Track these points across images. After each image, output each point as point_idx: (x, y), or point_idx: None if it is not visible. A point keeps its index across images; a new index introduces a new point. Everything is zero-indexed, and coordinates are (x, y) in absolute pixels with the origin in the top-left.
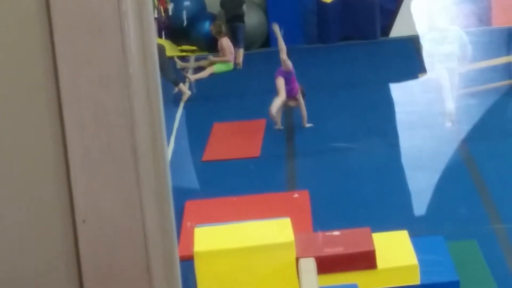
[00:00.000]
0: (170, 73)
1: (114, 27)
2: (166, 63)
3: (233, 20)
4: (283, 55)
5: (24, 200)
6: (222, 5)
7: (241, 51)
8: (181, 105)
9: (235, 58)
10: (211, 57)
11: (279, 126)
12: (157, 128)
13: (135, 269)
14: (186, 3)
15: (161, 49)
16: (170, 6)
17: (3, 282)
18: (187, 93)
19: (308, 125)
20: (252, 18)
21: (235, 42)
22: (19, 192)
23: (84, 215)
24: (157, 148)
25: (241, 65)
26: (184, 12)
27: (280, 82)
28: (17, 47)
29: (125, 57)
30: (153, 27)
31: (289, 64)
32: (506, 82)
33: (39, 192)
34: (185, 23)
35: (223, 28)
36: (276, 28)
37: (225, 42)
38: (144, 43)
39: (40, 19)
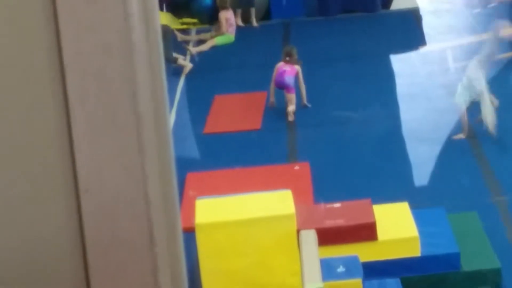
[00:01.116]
0: (170, 51)
1: None
2: (168, 41)
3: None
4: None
5: (27, 169)
6: None
7: (253, 10)
8: (182, 77)
9: (245, 19)
10: (212, 33)
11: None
12: (160, 96)
13: (138, 238)
14: None
15: (166, 28)
16: None
17: (6, 251)
18: (188, 65)
19: (308, 104)
20: None
21: (247, 2)
22: (21, 161)
23: (87, 185)
24: (160, 117)
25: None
26: None
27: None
28: (19, 14)
29: (127, 24)
30: None
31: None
32: (509, 54)
33: (42, 162)
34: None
35: (228, 2)
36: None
37: (223, 15)
38: (147, 10)
39: None
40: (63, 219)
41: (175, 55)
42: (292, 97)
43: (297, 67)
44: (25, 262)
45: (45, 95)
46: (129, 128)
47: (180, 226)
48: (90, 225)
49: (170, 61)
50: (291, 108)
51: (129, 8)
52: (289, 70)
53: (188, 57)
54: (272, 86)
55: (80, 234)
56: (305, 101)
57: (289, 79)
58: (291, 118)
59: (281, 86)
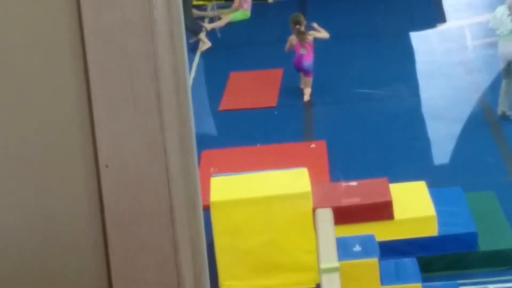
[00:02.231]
0: (190, 21)
1: None
2: (188, 12)
3: None
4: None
5: (48, 145)
6: None
7: None
8: (198, 54)
9: None
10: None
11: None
12: (181, 73)
13: (158, 213)
14: None
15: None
16: None
17: (27, 226)
18: (207, 42)
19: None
20: None
21: None
22: (41, 137)
23: (107, 160)
24: (181, 93)
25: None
26: None
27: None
28: None
29: (149, 1)
30: None
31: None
32: None
33: (62, 138)
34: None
35: None
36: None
37: None
38: None
39: None
40: (83, 194)
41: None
42: (309, 80)
43: (312, 34)
44: (45, 237)
45: (66, 71)
46: (150, 104)
47: (200, 202)
48: (110, 200)
49: (189, 29)
50: (307, 90)
51: None
52: (306, 54)
53: (204, 33)
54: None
55: (100, 209)
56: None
57: (307, 64)
58: (307, 98)
59: (299, 70)
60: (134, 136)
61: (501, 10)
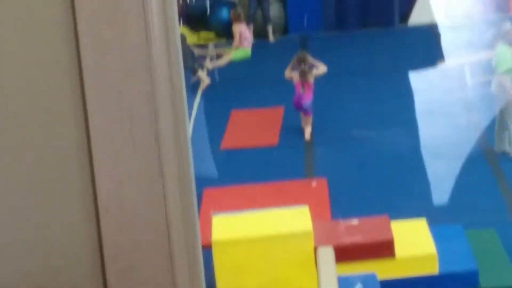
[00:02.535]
0: (190, 60)
1: (138, 13)
2: (186, 50)
3: None
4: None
5: (48, 190)
6: None
7: (270, 27)
8: (199, 92)
9: (262, 34)
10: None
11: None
12: (180, 116)
13: (157, 258)
14: None
15: (182, 37)
16: None
17: (28, 271)
18: (206, 81)
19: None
20: (271, 7)
21: (264, 19)
22: (42, 182)
23: (107, 204)
24: (180, 136)
25: (273, 39)
26: (207, 1)
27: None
28: (40, 35)
29: (148, 44)
30: (176, 14)
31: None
32: None
33: (62, 182)
34: (208, 12)
35: (241, 15)
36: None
37: (237, 28)
38: (168, 30)
39: (63, 7)
40: (83, 238)
41: (196, 65)
42: (309, 119)
43: (314, 73)
44: (45, 281)
45: (65, 113)
46: (149, 147)
47: (199, 245)
48: (110, 244)
49: (188, 67)
50: (308, 129)
51: (150, 25)
52: (305, 95)
53: (205, 72)
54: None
55: (100, 253)
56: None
57: (306, 104)
58: (307, 137)
59: (299, 109)
60: (133, 180)
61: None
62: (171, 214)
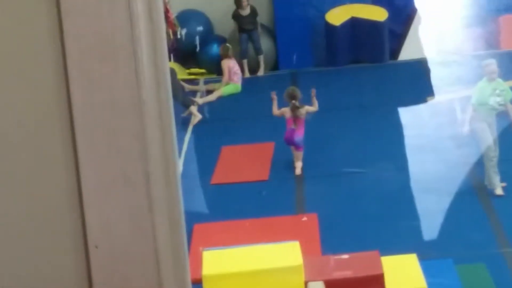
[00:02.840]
0: (181, 95)
1: (127, 52)
2: (177, 85)
3: (248, 29)
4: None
5: (37, 226)
6: (235, 17)
7: (262, 57)
8: (190, 128)
9: (253, 69)
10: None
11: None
12: (170, 153)
13: None
14: (194, 26)
15: (172, 72)
16: (179, 30)
17: None
18: (198, 116)
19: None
20: (262, 42)
21: (255, 51)
22: (31, 218)
23: (97, 241)
24: (170, 174)
25: (262, 72)
26: (197, 38)
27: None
28: (30, 73)
29: (138, 82)
30: (166, 53)
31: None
32: None
33: (52, 219)
34: (197, 48)
35: (230, 50)
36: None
37: (226, 64)
38: (157, 68)
39: (53, 44)
40: (72, 275)
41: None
42: (300, 154)
43: (305, 110)
44: None
45: (55, 151)
46: (139, 185)
47: (189, 281)
48: (100, 281)
49: (179, 102)
50: (299, 164)
51: (140, 64)
52: (297, 130)
53: (196, 107)
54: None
55: None
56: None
57: (298, 139)
58: (298, 172)
59: (290, 144)
60: (123, 217)
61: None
62: (160, 251)
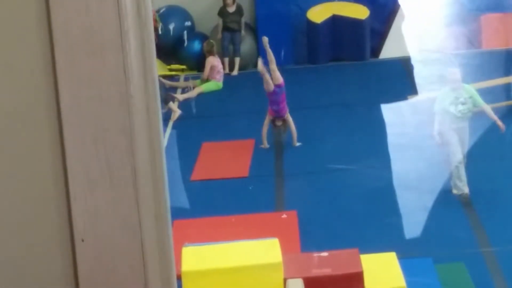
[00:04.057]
0: (161, 91)
1: (116, 46)
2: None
3: (232, 29)
4: (273, 66)
5: (23, 219)
6: (221, 13)
7: (238, 60)
8: (170, 124)
9: (232, 67)
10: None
11: (265, 145)
12: (157, 147)
13: (133, 287)
14: (176, 22)
15: None
16: (160, 25)
17: None
18: (177, 111)
19: (297, 143)
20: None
21: (234, 51)
22: (17, 212)
23: (83, 234)
24: (157, 168)
25: (236, 72)
26: (185, 33)
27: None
28: (17, 66)
29: (126, 77)
30: (153, 48)
31: (279, 76)
32: (497, 105)
33: (38, 212)
34: (185, 43)
35: (214, 48)
36: (265, 40)
37: (209, 61)
38: (145, 63)
39: (41, 38)
40: (58, 268)
41: (167, 97)
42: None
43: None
44: None
45: (42, 145)
46: (126, 179)
47: (174, 274)
48: (86, 274)
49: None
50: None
51: (128, 58)
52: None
53: (176, 104)
54: (264, 130)
55: (75, 283)
56: (295, 142)
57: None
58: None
59: (282, 108)
60: (109, 210)
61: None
62: (146, 244)
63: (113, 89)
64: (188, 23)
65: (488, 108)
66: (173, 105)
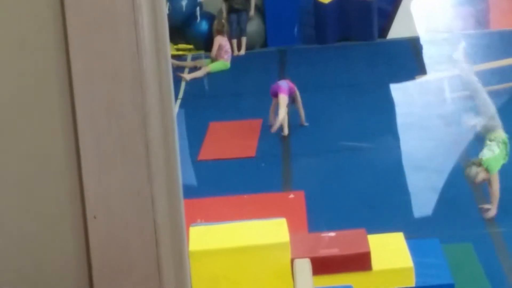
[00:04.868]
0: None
1: (128, 21)
2: None
3: (237, 9)
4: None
5: (35, 196)
6: None
7: (245, 39)
8: (178, 103)
9: (239, 47)
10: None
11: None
12: (169, 123)
13: (145, 264)
14: (182, 2)
15: None
16: (167, 5)
17: (14, 276)
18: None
19: (306, 123)
20: (250, 21)
21: (240, 31)
22: (29, 187)
23: (95, 211)
24: (169, 144)
25: (244, 52)
26: (198, 9)
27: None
28: (30, 41)
29: (138, 52)
30: (166, 23)
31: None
32: (504, 85)
33: (50, 189)
34: (198, 19)
35: (225, 27)
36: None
37: (218, 41)
38: (158, 37)
39: (54, 13)
40: (70, 245)
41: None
42: (282, 98)
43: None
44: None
45: (54, 121)
46: (138, 155)
47: (186, 251)
48: (97, 251)
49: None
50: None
51: (141, 34)
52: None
53: (183, 84)
54: (271, 109)
55: (87, 260)
56: (303, 120)
57: (282, 83)
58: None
59: (275, 91)
60: (122, 187)
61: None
62: (159, 221)
63: (126, 65)
64: (194, 3)
65: None
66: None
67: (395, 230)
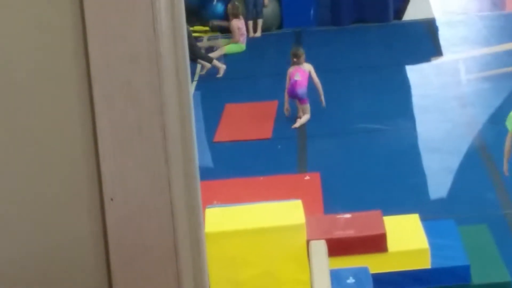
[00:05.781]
0: (201, 52)
1: (145, 4)
2: (194, 44)
3: None
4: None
5: (53, 178)
6: None
7: (261, 21)
8: (194, 85)
9: (255, 29)
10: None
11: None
12: (186, 106)
13: (162, 247)
14: None
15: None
16: None
17: (31, 259)
18: (222, 67)
19: (324, 104)
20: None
21: (256, 13)
22: (47, 170)
23: (112, 193)
24: (186, 127)
25: (260, 34)
26: None
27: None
28: (47, 24)
29: (155, 35)
30: (183, 5)
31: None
32: None
33: (67, 170)
34: (214, 1)
35: (240, 10)
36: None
37: (235, 24)
38: (175, 20)
39: None
40: (87, 228)
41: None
42: (305, 107)
43: (308, 67)
44: (48, 271)
45: (72, 104)
46: (155, 138)
47: (203, 235)
48: (114, 234)
49: (201, 59)
50: (305, 117)
51: (158, 17)
52: (300, 81)
53: (198, 66)
54: (286, 93)
55: (104, 242)
56: (322, 99)
57: (301, 91)
58: (297, 125)
59: (294, 97)
60: (139, 169)
61: None
62: (176, 203)
63: (143, 47)
64: None
65: None
66: (217, 62)
67: (410, 211)
